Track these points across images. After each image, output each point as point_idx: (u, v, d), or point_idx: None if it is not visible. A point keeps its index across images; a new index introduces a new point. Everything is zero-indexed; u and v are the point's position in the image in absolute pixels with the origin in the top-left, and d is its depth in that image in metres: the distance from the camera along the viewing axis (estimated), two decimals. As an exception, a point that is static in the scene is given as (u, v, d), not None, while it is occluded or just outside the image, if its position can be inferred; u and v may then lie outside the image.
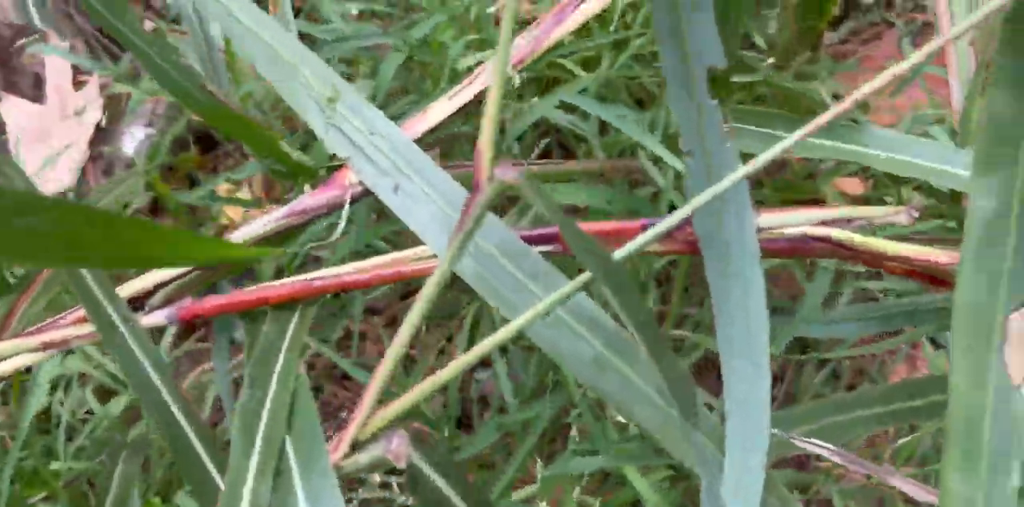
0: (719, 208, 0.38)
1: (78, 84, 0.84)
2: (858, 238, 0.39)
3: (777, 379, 0.88)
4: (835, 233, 0.39)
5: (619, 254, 0.33)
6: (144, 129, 0.82)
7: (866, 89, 0.32)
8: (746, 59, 0.90)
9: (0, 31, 0.84)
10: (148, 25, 0.81)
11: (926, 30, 1.10)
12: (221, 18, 0.47)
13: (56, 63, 0.83)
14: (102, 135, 0.86)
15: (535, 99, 0.69)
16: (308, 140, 0.51)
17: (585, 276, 0.33)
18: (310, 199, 0.41)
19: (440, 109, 0.42)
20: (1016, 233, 0.36)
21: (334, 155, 0.41)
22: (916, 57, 0.31)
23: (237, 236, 0.40)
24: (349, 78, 0.66)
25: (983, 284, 0.37)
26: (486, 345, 0.34)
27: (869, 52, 1.17)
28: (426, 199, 0.40)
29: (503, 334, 0.33)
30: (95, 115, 0.85)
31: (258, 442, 0.36)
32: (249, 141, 0.46)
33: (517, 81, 0.43)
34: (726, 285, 0.41)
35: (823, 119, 0.32)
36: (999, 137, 0.35)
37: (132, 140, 0.82)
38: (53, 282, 0.41)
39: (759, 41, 0.88)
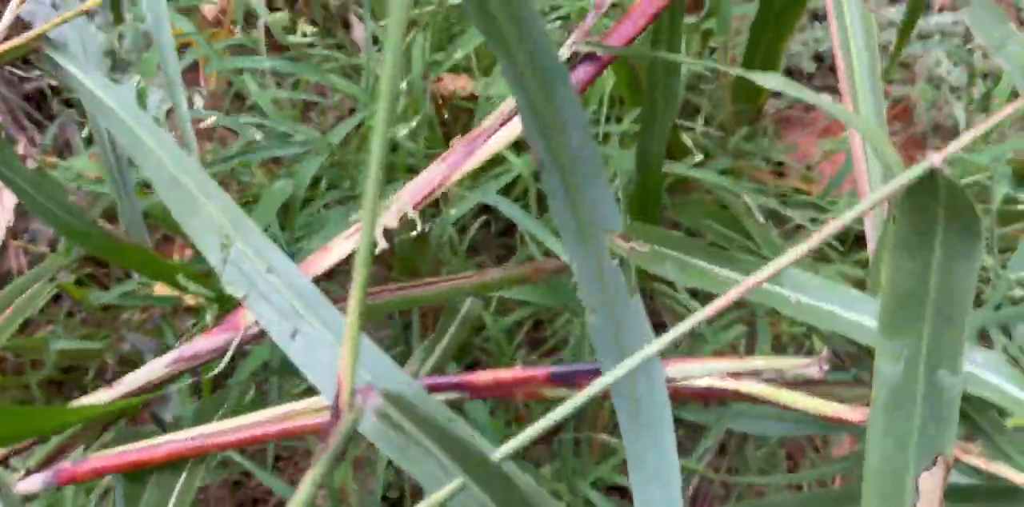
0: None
1: None
2: (768, 391, 0.38)
3: (724, 452, 0.87)
4: (743, 387, 0.38)
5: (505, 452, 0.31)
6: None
7: (784, 262, 0.31)
8: (686, 135, 0.90)
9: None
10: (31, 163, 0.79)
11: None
12: (126, 137, 0.46)
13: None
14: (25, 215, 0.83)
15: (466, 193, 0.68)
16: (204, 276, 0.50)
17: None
18: (203, 341, 0.39)
19: (342, 246, 0.41)
20: (922, 398, 0.35)
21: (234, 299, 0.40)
22: (817, 239, 0.30)
23: (128, 382, 0.38)
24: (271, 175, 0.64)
25: (891, 446, 0.36)
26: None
27: (812, 116, 1.18)
28: (325, 347, 0.38)
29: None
30: (12, 197, 0.82)
31: None
32: (148, 273, 0.44)
33: (418, 225, 0.41)
34: (637, 433, 0.40)
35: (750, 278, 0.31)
36: (901, 303, 0.35)
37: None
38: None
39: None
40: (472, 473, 0.33)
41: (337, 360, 0.38)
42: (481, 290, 0.53)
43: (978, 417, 0.38)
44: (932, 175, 0.31)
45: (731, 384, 0.38)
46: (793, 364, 0.38)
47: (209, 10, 0.82)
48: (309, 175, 0.60)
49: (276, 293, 0.40)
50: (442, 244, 0.72)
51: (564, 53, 0.45)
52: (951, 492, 0.38)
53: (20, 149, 0.84)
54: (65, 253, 0.69)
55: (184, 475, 0.36)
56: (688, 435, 0.74)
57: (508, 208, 0.62)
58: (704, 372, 0.38)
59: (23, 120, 0.85)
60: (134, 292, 0.63)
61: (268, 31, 0.76)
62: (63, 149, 0.90)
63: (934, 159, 0.30)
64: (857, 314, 0.39)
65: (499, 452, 0.28)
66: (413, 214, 0.40)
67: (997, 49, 0.46)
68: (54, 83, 0.90)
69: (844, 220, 0.31)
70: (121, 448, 0.37)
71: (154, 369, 0.38)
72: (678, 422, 0.38)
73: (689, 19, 0.84)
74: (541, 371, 0.39)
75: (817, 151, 1.02)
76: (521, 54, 0.34)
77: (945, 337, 0.35)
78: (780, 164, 1.10)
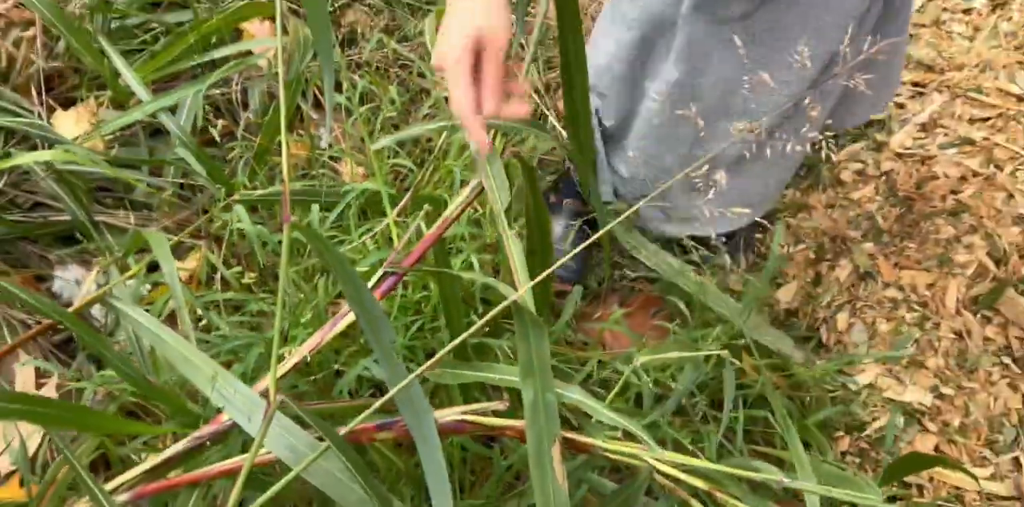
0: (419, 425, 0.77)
1: (40, 385, 1.20)
2: (483, 420, 0.79)
3: None
4: (471, 418, 0.79)
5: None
6: (87, 414, 1.18)
7: None
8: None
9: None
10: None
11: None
12: (150, 336, 0.88)
13: (25, 371, 1.20)
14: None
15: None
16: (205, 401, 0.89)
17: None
18: (203, 431, 0.78)
19: (259, 385, 0.82)
20: (543, 407, 0.77)
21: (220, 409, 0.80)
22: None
23: (173, 448, 0.76)
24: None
25: (535, 435, 0.77)
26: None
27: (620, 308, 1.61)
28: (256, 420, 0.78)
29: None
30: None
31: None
32: (169, 404, 0.84)
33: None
34: (424, 451, 0.79)
35: None
36: (525, 368, 0.77)
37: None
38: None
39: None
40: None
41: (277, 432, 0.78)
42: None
43: (571, 415, 0.79)
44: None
45: (466, 417, 0.79)
46: (487, 407, 0.79)
47: (183, 274, 1.27)
48: (252, 361, 1.01)
49: (236, 403, 0.81)
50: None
51: (379, 273, 0.90)
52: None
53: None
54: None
55: (196, 490, 0.73)
56: None
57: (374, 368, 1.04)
58: (450, 414, 0.79)
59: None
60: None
61: (224, 281, 1.21)
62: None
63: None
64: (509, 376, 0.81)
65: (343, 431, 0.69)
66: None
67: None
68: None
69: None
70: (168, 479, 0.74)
71: (186, 443, 0.77)
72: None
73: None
74: (373, 425, 0.79)
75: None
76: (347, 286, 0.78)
77: (544, 379, 0.76)
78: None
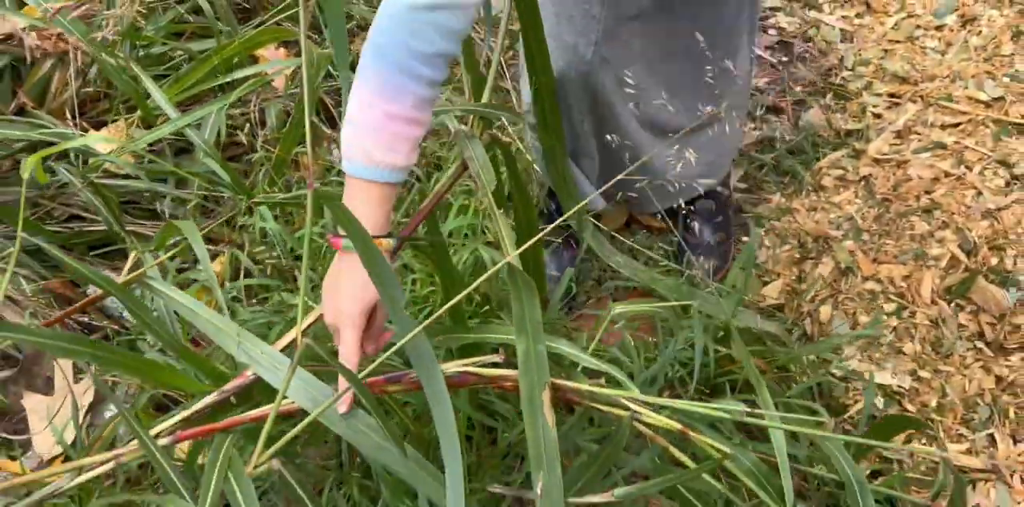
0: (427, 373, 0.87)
1: (77, 379, 1.30)
2: (484, 371, 0.89)
3: None
4: (473, 369, 0.89)
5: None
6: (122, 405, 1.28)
7: None
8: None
9: (28, 351, 1.32)
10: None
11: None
12: (183, 310, 0.98)
13: (63, 367, 1.30)
14: (93, 409, 1.31)
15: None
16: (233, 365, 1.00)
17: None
18: (230, 384, 0.88)
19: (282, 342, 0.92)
20: (535, 359, 0.87)
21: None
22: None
23: (205, 401, 0.87)
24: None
25: (527, 380, 0.87)
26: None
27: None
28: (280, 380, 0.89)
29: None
30: (88, 398, 1.30)
31: None
32: (200, 366, 0.95)
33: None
34: (434, 398, 0.89)
35: None
36: (519, 326, 0.88)
37: (110, 413, 1.28)
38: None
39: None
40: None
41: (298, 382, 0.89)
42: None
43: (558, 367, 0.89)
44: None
45: (469, 369, 0.89)
46: (485, 360, 0.89)
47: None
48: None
49: (260, 360, 0.91)
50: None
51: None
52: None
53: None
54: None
55: (230, 435, 0.83)
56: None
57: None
58: (455, 366, 0.89)
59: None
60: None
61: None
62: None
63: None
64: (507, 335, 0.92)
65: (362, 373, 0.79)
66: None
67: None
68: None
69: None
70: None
71: (215, 396, 0.87)
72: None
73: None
74: (382, 378, 0.90)
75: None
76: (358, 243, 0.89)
77: (535, 332, 0.86)
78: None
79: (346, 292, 0.89)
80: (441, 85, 0.93)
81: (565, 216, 0.96)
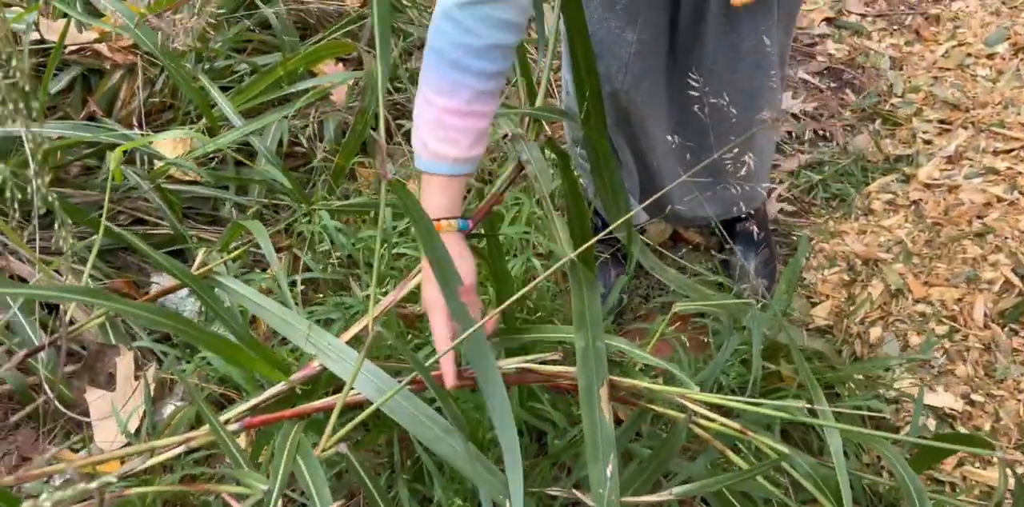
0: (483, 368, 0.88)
1: (137, 377, 1.33)
2: (542, 368, 0.91)
3: None
4: (532, 366, 0.91)
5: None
6: (178, 403, 1.31)
7: None
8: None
9: (92, 348, 1.35)
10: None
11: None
12: (251, 305, 1.01)
13: (124, 364, 1.33)
14: (154, 406, 1.34)
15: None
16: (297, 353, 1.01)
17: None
18: (298, 374, 0.90)
19: (354, 329, 0.94)
20: (592, 353, 0.88)
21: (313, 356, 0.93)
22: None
23: (273, 392, 0.89)
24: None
25: (585, 378, 0.87)
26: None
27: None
28: (347, 369, 0.91)
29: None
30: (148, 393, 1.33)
31: None
32: (267, 357, 0.97)
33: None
34: (489, 393, 0.90)
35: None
36: (578, 319, 0.89)
37: (169, 408, 1.30)
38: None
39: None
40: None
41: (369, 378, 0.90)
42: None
43: (619, 358, 0.90)
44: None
45: (527, 365, 0.90)
46: (544, 357, 0.90)
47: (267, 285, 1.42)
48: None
49: (327, 353, 0.93)
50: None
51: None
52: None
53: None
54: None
55: (297, 422, 0.85)
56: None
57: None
58: (513, 363, 0.91)
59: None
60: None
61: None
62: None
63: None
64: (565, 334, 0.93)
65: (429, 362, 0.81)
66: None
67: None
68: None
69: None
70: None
71: (282, 386, 0.89)
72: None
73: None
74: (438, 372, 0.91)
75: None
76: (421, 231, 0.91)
77: (594, 329, 0.87)
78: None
79: (424, 277, 0.93)
80: (503, 75, 0.96)
81: (614, 225, 0.98)
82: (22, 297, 1.13)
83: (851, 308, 1.72)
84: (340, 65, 1.93)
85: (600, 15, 1.22)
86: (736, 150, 0.99)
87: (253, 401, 0.89)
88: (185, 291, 1.39)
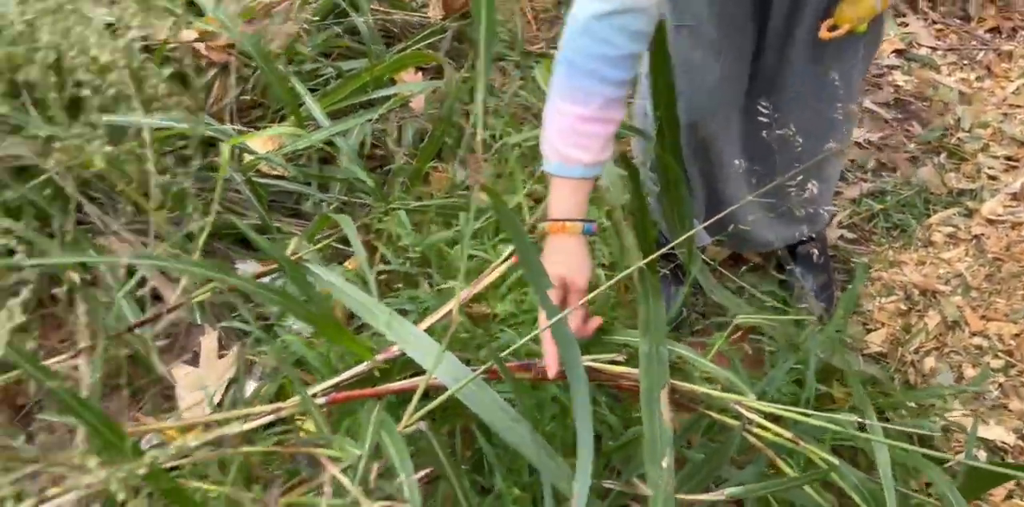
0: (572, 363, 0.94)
1: (221, 355, 1.41)
2: (606, 367, 0.96)
3: None
4: (598, 365, 0.96)
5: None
6: (257, 381, 1.39)
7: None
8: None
9: (180, 327, 1.44)
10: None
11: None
12: (336, 291, 1.08)
13: (209, 342, 1.42)
14: (234, 384, 1.41)
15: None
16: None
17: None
18: (381, 356, 0.97)
19: (433, 319, 1.00)
20: (656, 358, 0.92)
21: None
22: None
23: (353, 372, 0.95)
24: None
25: (647, 381, 0.92)
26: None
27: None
28: (425, 355, 0.97)
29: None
30: (230, 373, 1.41)
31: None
32: (349, 345, 1.03)
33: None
34: (576, 389, 0.95)
35: None
36: (644, 327, 0.94)
37: (250, 387, 1.38)
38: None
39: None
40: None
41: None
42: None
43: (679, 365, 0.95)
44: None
45: (598, 365, 0.95)
46: (609, 357, 0.96)
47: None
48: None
49: (406, 338, 1.00)
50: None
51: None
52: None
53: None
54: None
55: (378, 404, 0.91)
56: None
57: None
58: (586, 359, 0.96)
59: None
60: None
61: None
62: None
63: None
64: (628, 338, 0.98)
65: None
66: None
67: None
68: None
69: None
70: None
71: (364, 367, 0.95)
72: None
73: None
74: (515, 364, 0.97)
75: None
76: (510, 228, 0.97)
77: (658, 334, 0.92)
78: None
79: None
80: (630, 84, 1.02)
81: (677, 241, 1.03)
82: (149, 267, 1.21)
83: (906, 337, 1.74)
84: (419, 74, 2.00)
85: (688, 44, 1.27)
86: (801, 177, 1.03)
87: (335, 380, 0.96)
88: (267, 279, 1.47)
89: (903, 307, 1.81)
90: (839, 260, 1.94)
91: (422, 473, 0.77)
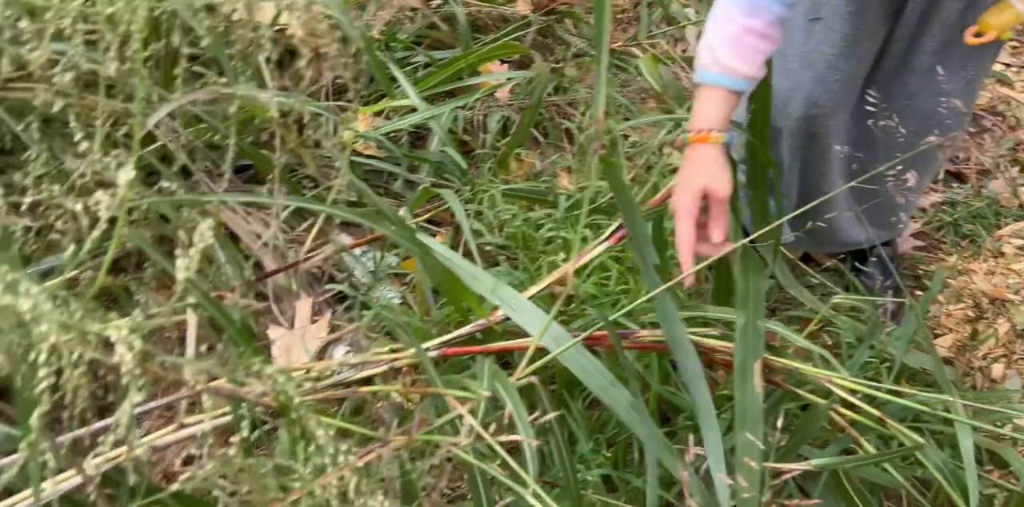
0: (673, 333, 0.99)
1: (314, 321, 1.48)
2: (704, 340, 1.00)
3: None
4: (693, 338, 1.00)
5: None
6: (346, 346, 1.45)
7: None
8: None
9: (277, 291, 1.51)
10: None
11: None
12: (443, 260, 1.14)
13: (304, 308, 1.49)
14: (326, 347, 1.48)
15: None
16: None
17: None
18: (488, 319, 1.03)
19: (533, 290, 1.06)
20: (751, 334, 0.97)
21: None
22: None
23: (466, 330, 1.02)
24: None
25: (742, 353, 0.96)
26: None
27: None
28: (532, 321, 1.02)
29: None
30: (322, 336, 1.48)
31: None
32: (464, 296, 1.09)
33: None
34: (682, 358, 1.00)
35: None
36: (741, 301, 0.98)
37: (340, 351, 1.45)
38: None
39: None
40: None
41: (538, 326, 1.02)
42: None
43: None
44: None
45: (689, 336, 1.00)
46: (705, 331, 1.00)
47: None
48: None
49: (509, 303, 1.05)
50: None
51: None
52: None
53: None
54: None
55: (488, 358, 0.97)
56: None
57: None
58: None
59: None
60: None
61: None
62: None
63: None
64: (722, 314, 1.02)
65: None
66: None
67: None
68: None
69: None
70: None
71: (471, 327, 1.01)
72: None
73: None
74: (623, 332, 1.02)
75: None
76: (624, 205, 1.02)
77: (756, 309, 0.97)
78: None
79: (679, 183, 1.04)
80: (790, 13, 1.07)
81: (760, 232, 1.07)
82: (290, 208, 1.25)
83: (974, 343, 1.76)
84: (504, 66, 2.07)
85: (819, 38, 1.31)
86: (900, 167, 1.06)
87: (445, 337, 1.02)
88: (359, 250, 1.54)
89: (971, 314, 1.83)
90: (907, 267, 1.96)
91: (537, 414, 0.82)
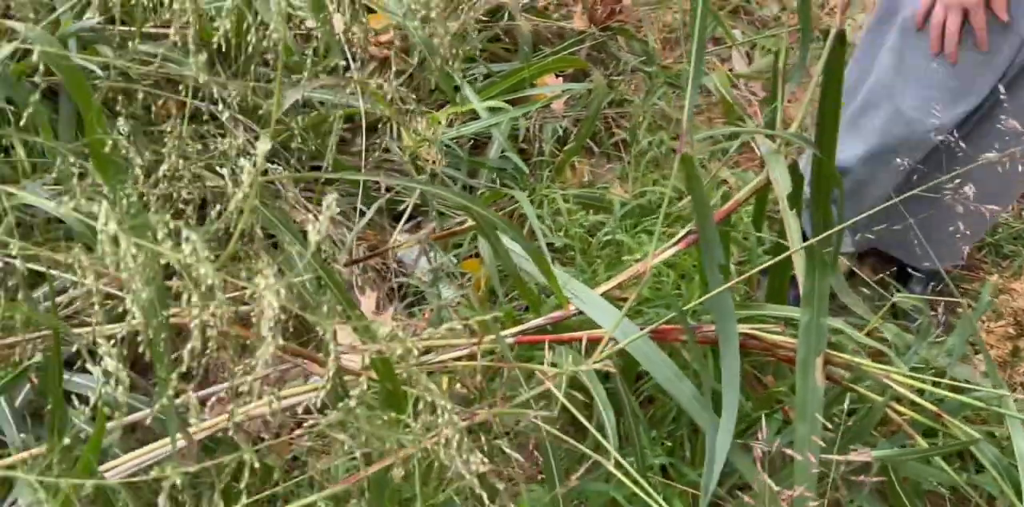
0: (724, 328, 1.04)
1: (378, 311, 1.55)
2: (767, 336, 1.05)
3: None
4: (757, 333, 1.05)
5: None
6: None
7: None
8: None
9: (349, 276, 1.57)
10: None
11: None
12: (515, 255, 1.19)
13: (368, 301, 1.55)
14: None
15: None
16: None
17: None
18: (560, 313, 1.08)
19: (605, 287, 1.11)
20: (815, 330, 1.01)
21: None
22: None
23: (532, 323, 1.07)
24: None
25: (805, 347, 1.01)
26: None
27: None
28: (604, 316, 1.08)
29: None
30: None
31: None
32: (555, 286, 1.14)
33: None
34: (726, 352, 1.05)
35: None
36: (806, 301, 1.03)
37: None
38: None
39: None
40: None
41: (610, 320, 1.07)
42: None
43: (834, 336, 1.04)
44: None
45: (752, 332, 1.05)
46: (767, 328, 1.05)
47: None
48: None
49: (580, 297, 1.11)
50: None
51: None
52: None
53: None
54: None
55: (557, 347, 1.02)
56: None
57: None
58: (739, 328, 1.06)
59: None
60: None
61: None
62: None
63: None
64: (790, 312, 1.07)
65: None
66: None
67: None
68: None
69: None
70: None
71: (544, 319, 1.07)
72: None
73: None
74: (677, 327, 1.07)
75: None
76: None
77: (820, 306, 1.01)
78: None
79: None
80: None
81: (816, 238, 1.12)
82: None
83: (1015, 360, 1.79)
84: (559, 79, 2.14)
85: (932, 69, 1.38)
86: (958, 180, 1.10)
87: (518, 327, 1.07)
88: (416, 250, 1.61)
89: (1012, 332, 1.86)
90: (947, 285, 1.99)
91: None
